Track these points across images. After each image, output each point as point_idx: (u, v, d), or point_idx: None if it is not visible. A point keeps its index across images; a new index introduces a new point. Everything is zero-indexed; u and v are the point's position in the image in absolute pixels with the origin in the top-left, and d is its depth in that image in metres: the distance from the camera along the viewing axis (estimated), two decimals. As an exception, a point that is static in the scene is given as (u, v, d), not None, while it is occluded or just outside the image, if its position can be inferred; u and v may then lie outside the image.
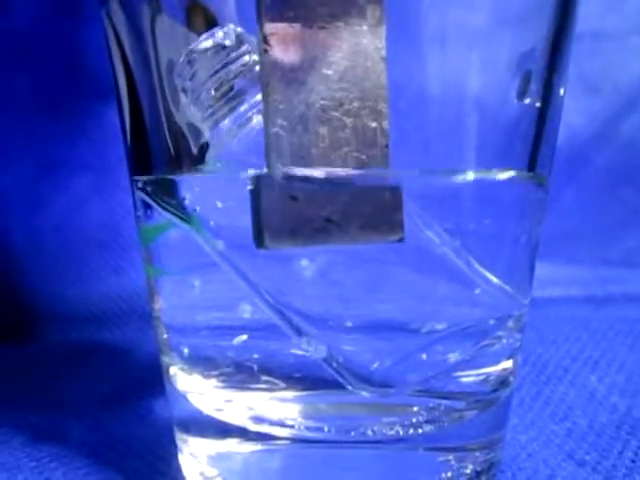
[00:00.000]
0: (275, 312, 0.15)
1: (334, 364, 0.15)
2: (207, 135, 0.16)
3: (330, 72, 0.14)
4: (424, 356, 0.16)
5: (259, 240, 0.14)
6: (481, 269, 0.16)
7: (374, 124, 0.14)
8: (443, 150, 0.16)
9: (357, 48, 0.14)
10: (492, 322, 0.17)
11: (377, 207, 0.14)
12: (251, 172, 0.15)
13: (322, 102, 0.14)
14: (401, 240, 0.14)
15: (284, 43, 0.14)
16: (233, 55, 0.15)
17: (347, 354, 0.15)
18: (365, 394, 0.16)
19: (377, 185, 0.14)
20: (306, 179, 0.14)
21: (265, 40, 0.14)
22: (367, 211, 0.14)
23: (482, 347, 0.17)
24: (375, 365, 0.16)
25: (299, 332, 0.15)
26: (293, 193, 0.14)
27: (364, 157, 0.14)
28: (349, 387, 0.16)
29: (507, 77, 0.16)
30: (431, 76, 0.15)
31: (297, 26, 0.14)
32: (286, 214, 0.14)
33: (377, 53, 0.14)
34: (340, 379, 0.15)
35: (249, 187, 0.14)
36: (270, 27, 0.14)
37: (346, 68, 0.14)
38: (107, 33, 0.17)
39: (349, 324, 0.16)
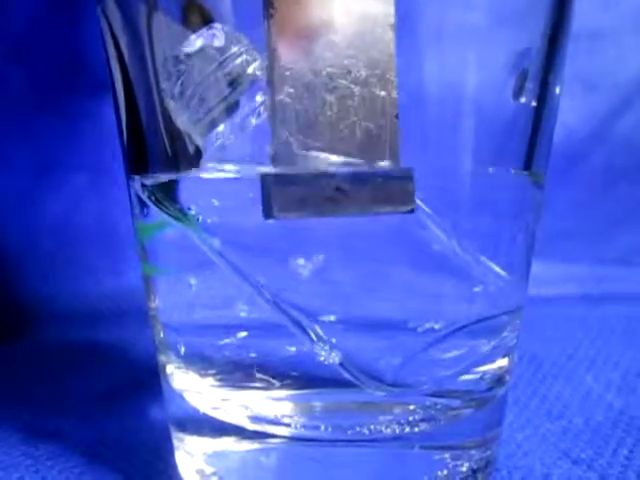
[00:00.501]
0: (274, 309, 0.15)
1: (349, 367, 0.15)
2: (198, 140, 0.16)
3: (337, 39, 0.13)
4: (436, 354, 0.16)
5: (267, 210, 0.14)
6: (483, 258, 0.16)
7: (383, 93, 0.14)
8: (439, 149, 0.16)
9: (365, 15, 0.14)
10: (496, 319, 0.17)
11: (388, 177, 0.14)
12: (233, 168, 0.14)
13: (329, 69, 0.13)
14: (412, 211, 0.14)
15: (290, 6, 0.13)
16: (225, 57, 0.15)
17: (347, 352, 0.15)
18: (379, 393, 0.16)
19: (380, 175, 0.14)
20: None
21: (270, 4, 0.13)
22: (378, 181, 0.14)
23: (490, 344, 0.17)
24: (386, 364, 0.16)
25: (307, 333, 0.15)
26: (299, 172, 0.13)
27: (372, 127, 0.14)
28: (363, 387, 0.15)
29: (503, 76, 0.16)
30: (427, 75, 0.15)
31: None
32: (295, 184, 0.14)
33: (385, 20, 0.14)
34: (355, 381, 0.15)
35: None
36: None
37: (354, 35, 0.14)
38: (103, 32, 0.17)
39: (346, 321, 0.16)
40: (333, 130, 0.14)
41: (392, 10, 0.14)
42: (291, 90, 0.13)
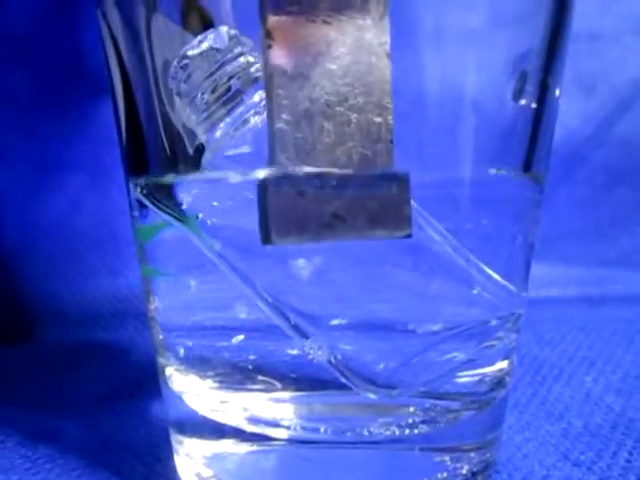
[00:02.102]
0: (274, 312, 0.15)
1: (339, 366, 0.15)
2: (202, 138, 0.16)
3: (334, 67, 0.14)
4: (429, 357, 0.16)
5: (265, 236, 0.14)
6: (482, 265, 0.16)
7: (379, 119, 0.14)
8: (439, 150, 0.16)
9: (361, 43, 0.14)
10: (494, 322, 0.17)
11: (384, 202, 0.14)
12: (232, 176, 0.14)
13: (326, 97, 0.14)
14: (409, 236, 0.14)
15: (287, 37, 0.14)
16: (227, 57, 0.15)
17: (346, 354, 0.15)
18: (371, 395, 0.16)
19: (385, 180, 0.14)
20: (312, 176, 0.14)
21: (268, 34, 0.14)
22: (374, 206, 0.14)
23: (485, 347, 0.17)
24: (381, 366, 0.16)
25: (302, 333, 0.15)
26: (300, 189, 0.14)
27: (369, 152, 0.14)
28: (354, 388, 0.15)
29: (503, 78, 0.16)
30: (428, 77, 0.15)
31: (300, 20, 0.14)
32: (293, 209, 0.14)
33: (381, 48, 0.14)
34: (345, 380, 0.15)
35: (257, 182, 0.14)
36: (273, 21, 0.14)
37: (350, 63, 0.14)
38: (103, 33, 0.17)
39: (346, 323, 0.16)
40: (330, 156, 0.14)
41: (387, 38, 0.14)
42: (289, 118, 0.14)
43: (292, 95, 0.14)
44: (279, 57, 0.14)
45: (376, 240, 0.14)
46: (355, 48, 0.14)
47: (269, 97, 0.14)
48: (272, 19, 0.14)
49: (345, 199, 0.14)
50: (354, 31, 0.14)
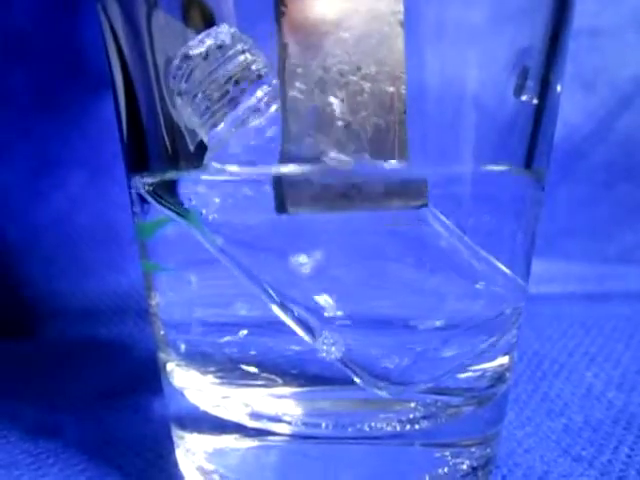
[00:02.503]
0: (277, 307, 0.15)
1: (349, 363, 0.15)
2: (204, 137, 0.16)
3: (347, 35, 0.14)
4: (438, 353, 0.16)
5: (281, 205, 0.14)
6: (490, 258, 0.16)
7: (391, 89, 0.14)
8: (441, 146, 0.16)
9: (374, 12, 0.14)
10: (497, 317, 0.17)
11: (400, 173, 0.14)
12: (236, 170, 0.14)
13: (339, 66, 0.14)
14: (424, 206, 0.14)
15: (300, 4, 0.14)
16: (228, 55, 0.15)
17: (353, 351, 0.15)
18: (380, 392, 0.16)
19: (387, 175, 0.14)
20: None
21: (281, 1, 0.14)
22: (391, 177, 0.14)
23: (493, 342, 0.17)
24: (393, 362, 0.16)
25: (306, 329, 0.15)
26: (315, 158, 0.14)
27: (382, 122, 0.14)
28: (363, 385, 0.15)
29: (504, 74, 0.16)
30: (429, 73, 0.15)
31: None
32: (308, 179, 0.14)
33: (394, 17, 0.14)
34: (355, 377, 0.15)
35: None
36: None
37: (363, 32, 0.14)
38: (103, 29, 0.17)
39: (350, 319, 0.16)
40: (343, 125, 0.14)
41: (401, 7, 0.14)
42: (302, 86, 0.14)
43: (305, 63, 0.14)
44: (292, 25, 0.14)
45: (392, 210, 0.14)
46: (368, 17, 0.14)
47: (282, 66, 0.14)
48: None
49: (362, 170, 0.14)
50: (367, 0, 0.14)
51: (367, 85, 0.14)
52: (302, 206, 0.14)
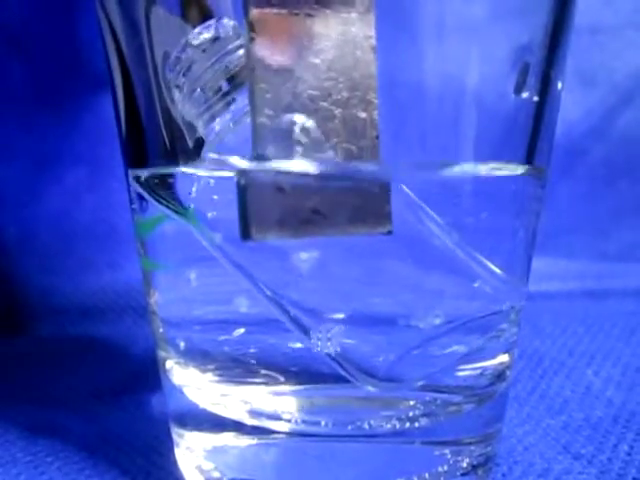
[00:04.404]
0: (274, 305, 0.15)
1: (339, 359, 0.15)
2: (202, 132, 0.16)
3: (318, 61, 0.14)
4: (429, 350, 0.16)
5: (245, 232, 0.14)
6: (482, 259, 0.16)
7: (364, 114, 0.14)
8: (440, 143, 0.16)
9: (346, 36, 0.14)
10: (495, 315, 0.17)
11: (365, 198, 0.14)
12: (236, 161, 0.14)
13: (310, 92, 0.14)
14: (389, 233, 0.14)
15: (270, 30, 0.13)
16: (227, 49, 0.15)
17: (346, 348, 0.15)
18: (371, 389, 0.16)
19: (366, 177, 0.14)
20: (292, 172, 0.14)
21: (251, 27, 0.13)
22: (355, 202, 0.14)
23: (487, 340, 0.16)
24: (380, 359, 0.15)
25: (302, 327, 0.15)
26: (280, 184, 0.14)
27: (354, 148, 0.14)
28: (355, 382, 0.15)
29: (505, 70, 0.16)
30: (428, 69, 0.15)
31: (284, 13, 0.14)
32: (273, 205, 0.14)
33: (366, 42, 0.14)
34: (344, 373, 0.15)
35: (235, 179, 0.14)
36: (256, 13, 0.13)
37: (334, 57, 0.14)
38: (101, 24, 0.17)
39: (346, 317, 0.15)
40: (313, 152, 0.14)
41: (373, 32, 0.14)
42: (270, 112, 0.13)
43: (275, 89, 0.14)
44: (262, 50, 0.13)
45: (356, 236, 0.14)
46: (340, 42, 0.14)
47: (251, 90, 0.14)
48: (254, 12, 0.13)
49: (326, 195, 0.14)
50: (339, 25, 0.14)
51: (338, 111, 0.14)
52: (267, 233, 0.14)
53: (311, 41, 0.14)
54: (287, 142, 0.14)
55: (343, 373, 0.15)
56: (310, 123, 0.14)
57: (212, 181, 0.16)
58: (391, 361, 0.16)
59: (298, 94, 0.14)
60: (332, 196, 0.14)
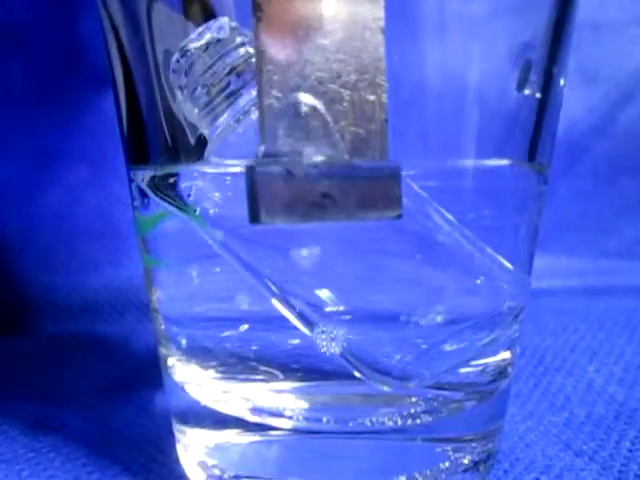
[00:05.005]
0: (277, 301, 0.15)
1: (350, 358, 0.15)
2: (205, 131, 0.16)
3: (326, 42, 0.13)
4: (442, 348, 0.16)
5: (254, 215, 0.14)
6: (492, 252, 0.16)
7: (372, 97, 0.14)
8: (443, 140, 0.16)
9: (354, 18, 0.13)
10: (504, 312, 0.17)
11: (375, 183, 0.14)
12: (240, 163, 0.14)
13: (318, 74, 0.13)
14: (399, 217, 0.14)
15: (278, 11, 0.13)
16: (228, 48, 0.15)
17: (354, 345, 0.15)
18: (385, 388, 0.16)
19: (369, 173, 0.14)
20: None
21: (258, 7, 0.13)
22: (365, 187, 0.14)
23: (495, 337, 0.16)
24: (397, 357, 0.15)
25: (307, 323, 0.15)
26: (289, 168, 0.13)
27: (362, 131, 0.14)
28: (366, 380, 0.15)
29: (507, 67, 0.16)
30: (431, 66, 0.15)
31: None
32: (282, 189, 0.13)
33: (375, 23, 0.13)
34: (357, 372, 0.15)
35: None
36: None
37: (343, 39, 0.13)
38: (103, 22, 0.17)
39: (350, 314, 0.15)
40: (322, 134, 0.14)
41: (382, 13, 0.14)
42: (279, 94, 0.13)
43: (283, 71, 0.13)
44: (269, 31, 0.13)
45: (366, 221, 0.14)
46: (348, 23, 0.13)
47: (259, 72, 0.13)
48: None
49: (336, 179, 0.14)
50: (347, 6, 0.13)
51: (347, 93, 0.13)
52: (276, 217, 0.13)
53: (319, 22, 0.13)
54: (295, 123, 0.13)
55: (353, 370, 0.15)
56: (317, 103, 0.13)
57: (214, 177, 0.16)
58: (400, 359, 0.16)
59: (306, 76, 0.13)
60: (342, 180, 0.14)
